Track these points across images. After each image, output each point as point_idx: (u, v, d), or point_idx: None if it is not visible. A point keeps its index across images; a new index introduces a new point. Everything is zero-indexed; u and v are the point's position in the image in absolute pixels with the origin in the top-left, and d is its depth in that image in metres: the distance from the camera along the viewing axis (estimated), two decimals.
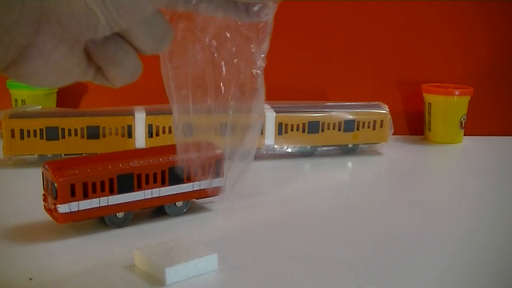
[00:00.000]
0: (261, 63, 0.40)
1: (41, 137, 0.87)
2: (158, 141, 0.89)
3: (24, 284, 0.51)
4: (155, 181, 0.64)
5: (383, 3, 1.13)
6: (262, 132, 0.94)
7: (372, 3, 1.13)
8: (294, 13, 1.12)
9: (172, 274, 0.51)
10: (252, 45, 0.39)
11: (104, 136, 0.89)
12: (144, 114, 0.90)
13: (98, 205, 0.61)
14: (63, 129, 0.87)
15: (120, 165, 0.62)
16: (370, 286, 0.52)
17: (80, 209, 0.60)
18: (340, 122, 0.97)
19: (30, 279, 0.52)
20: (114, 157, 0.63)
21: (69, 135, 0.88)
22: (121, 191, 0.62)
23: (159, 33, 0.35)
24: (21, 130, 0.86)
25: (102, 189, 0.61)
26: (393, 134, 1.03)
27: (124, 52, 0.35)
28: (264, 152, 0.95)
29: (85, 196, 0.60)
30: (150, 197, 0.64)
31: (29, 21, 0.29)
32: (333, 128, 0.97)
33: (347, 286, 0.52)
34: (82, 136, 0.88)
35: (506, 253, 0.61)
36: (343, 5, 1.12)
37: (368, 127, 0.98)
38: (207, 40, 0.38)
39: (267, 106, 0.96)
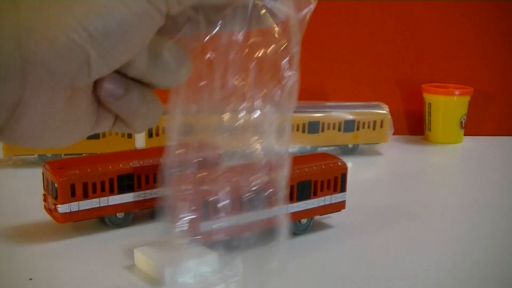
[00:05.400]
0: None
1: None
2: (158, 141, 0.89)
3: (24, 284, 0.51)
4: (155, 181, 0.64)
5: (383, 3, 1.13)
6: None
7: (372, 3, 1.13)
8: None
9: (172, 274, 0.51)
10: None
11: (104, 136, 0.89)
12: None
13: (98, 205, 0.61)
14: None
15: (121, 165, 0.62)
16: (369, 286, 0.52)
17: (80, 209, 0.60)
18: (340, 122, 0.97)
19: (30, 279, 0.51)
20: (114, 157, 0.63)
21: None
22: (121, 191, 0.62)
23: (175, 64, 0.30)
24: None
25: (102, 189, 0.61)
26: (393, 134, 1.03)
27: (148, 102, 0.31)
28: None
29: (85, 196, 0.60)
30: (150, 197, 0.64)
31: (10, 73, 0.25)
32: (333, 128, 0.97)
33: (346, 286, 0.52)
34: None
35: (506, 252, 0.61)
36: (343, 5, 1.12)
37: (368, 127, 0.98)
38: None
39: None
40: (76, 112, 0.28)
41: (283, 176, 0.37)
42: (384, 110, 1.00)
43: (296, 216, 0.61)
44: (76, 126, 0.29)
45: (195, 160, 0.36)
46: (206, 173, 0.36)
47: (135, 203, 0.63)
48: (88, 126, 0.30)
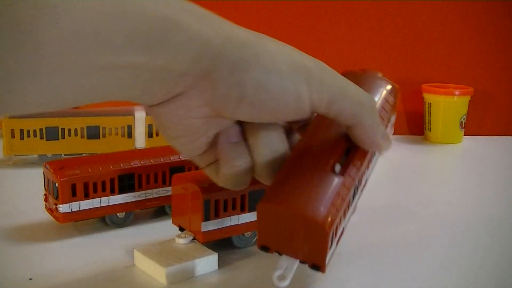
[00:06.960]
0: None
1: (41, 137, 0.87)
2: (158, 141, 0.89)
3: (24, 284, 0.51)
4: (156, 181, 0.64)
5: (383, 3, 1.13)
6: None
7: (372, 3, 1.13)
8: (293, 12, 1.12)
9: (172, 274, 0.51)
10: None
11: (104, 136, 0.89)
12: (144, 114, 0.90)
13: (99, 205, 0.61)
14: (63, 129, 0.87)
15: (121, 165, 0.62)
16: (369, 287, 0.52)
17: (81, 209, 0.60)
18: None
19: (30, 279, 0.52)
20: (115, 157, 0.63)
21: (69, 135, 0.88)
22: (122, 191, 0.62)
23: (276, 148, 0.41)
24: (21, 130, 0.86)
25: (103, 189, 0.61)
26: (393, 134, 1.03)
27: (243, 160, 0.40)
28: None
29: (86, 196, 0.60)
30: (151, 197, 0.64)
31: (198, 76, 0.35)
32: None
33: (347, 286, 0.52)
34: (82, 136, 0.88)
35: (507, 252, 0.61)
36: (343, 4, 1.12)
37: None
38: None
39: None
40: (203, 129, 0.39)
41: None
42: None
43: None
44: (197, 138, 0.40)
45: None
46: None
47: (136, 203, 0.63)
48: (201, 147, 0.40)
